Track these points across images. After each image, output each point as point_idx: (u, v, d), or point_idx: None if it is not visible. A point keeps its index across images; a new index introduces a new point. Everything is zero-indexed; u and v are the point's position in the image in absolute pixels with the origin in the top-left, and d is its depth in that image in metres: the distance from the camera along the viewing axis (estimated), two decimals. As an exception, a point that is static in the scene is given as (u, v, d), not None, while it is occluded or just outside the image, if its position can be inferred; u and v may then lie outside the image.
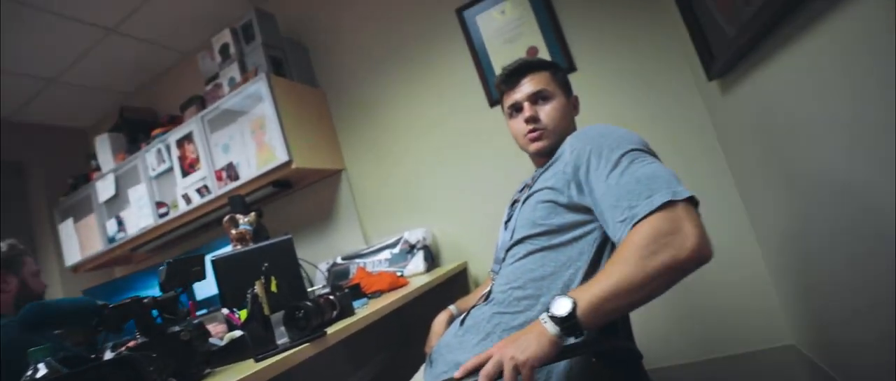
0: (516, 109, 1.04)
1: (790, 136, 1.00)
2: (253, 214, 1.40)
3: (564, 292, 0.83)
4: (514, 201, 1.08)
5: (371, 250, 2.03)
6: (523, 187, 1.10)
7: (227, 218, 1.37)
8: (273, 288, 1.11)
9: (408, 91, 2.07)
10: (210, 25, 2.39)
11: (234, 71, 2.06)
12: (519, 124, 1.03)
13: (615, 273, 0.68)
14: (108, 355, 0.93)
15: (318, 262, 2.14)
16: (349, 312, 1.17)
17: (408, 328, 1.96)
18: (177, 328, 0.85)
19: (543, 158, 1.03)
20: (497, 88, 1.10)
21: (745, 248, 1.52)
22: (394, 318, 1.70)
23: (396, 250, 1.96)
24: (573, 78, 1.72)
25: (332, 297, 1.14)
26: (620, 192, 0.75)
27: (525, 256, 0.90)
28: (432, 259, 1.92)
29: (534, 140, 1.00)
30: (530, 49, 1.83)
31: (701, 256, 0.66)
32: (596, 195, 0.80)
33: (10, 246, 1.41)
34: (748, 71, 1.10)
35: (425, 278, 1.62)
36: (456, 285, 1.82)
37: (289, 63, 2.12)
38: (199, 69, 2.23)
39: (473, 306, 0.98)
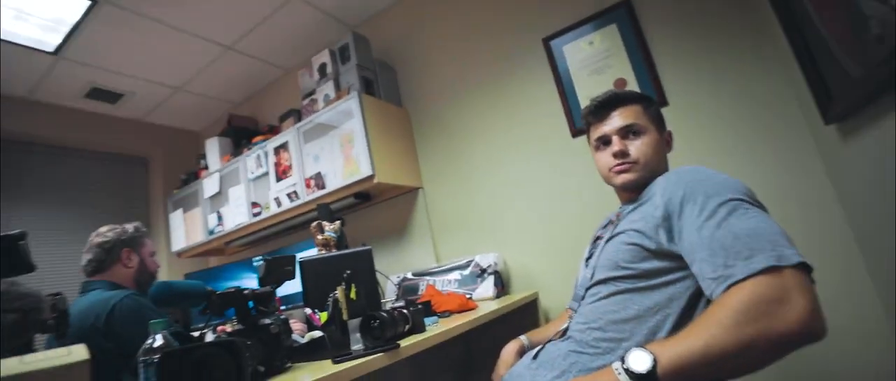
0: (604, 142, 1.01)
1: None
2: (338, 223, 1.48)
3: (649, 338, 0.79)
4: (597, 238, 1.05)
5: (441, 269, 2.05)
6: (607, 224, 1.06)
7: (314, 224, 1.46)
8: (352, 295, 1.16)
9: (489, 116, 2.10)
10: (312, 46, 2.62)
11: (329, 88, 2.23)
12: (605, 158, 1.00)
13: (705, 335, 0.62)
14: (210, 336, 1.03)
15: (389, 274, 2.21)
16: (420, 328, 1.19)
17: (473, 351, 1.94)
18: (268, 321, 0.92)
19: (630, 192, 0.99)
20: (584, 119, 1.08)
21: (870, 324, 1.32)
22: (459, 340, 1.70)
23: (466, 271, 1.96)
24: (664, 113, 1.67)
25: (405, 311, 1.17)
26: (715, 246, 0.69)
27: (607, 296, 0.87)
28: (502, 285, 1.90)
29: (620, 172, 0.96)
30: (618, 81, 1.79)
31: (810, 331, 0.59)
32: (686, 245, 0.74)
33: (135, 228, 1.61)
34: (878, 117, 0.99)
35: (494, 305, 1.61)
36: (525, 316, 1.78)
37: (378, 83, 2.25)
38: (299, 85, 2.44)
39: (548, 341, 0.96)
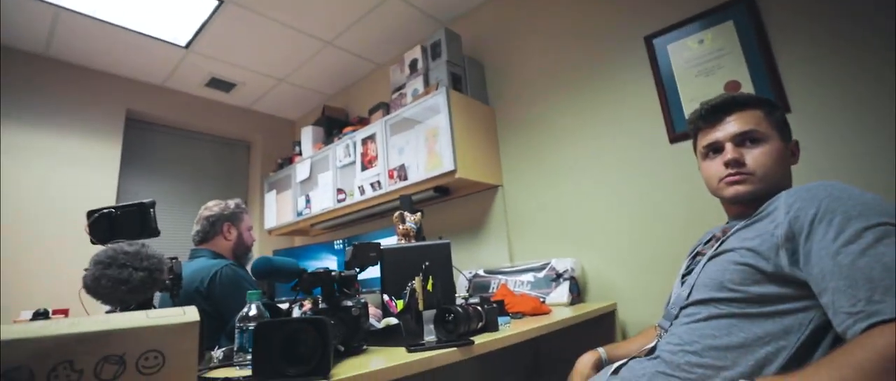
0: (715, 149, 0.90)
1: None
2: (419, 214, 1.51)
3: (756, 372, 0.70)
4: (697, 254, 0.95)
5: (514, 269, 2.02)
6: (710, 239, 0.96)
7: (397, 214, 1.50)
8: (429, 287, 1.17)
9: (578, 115, 2.02)
10: (405, 42, 2.70)
11: (418, 83, 2.28)
12: (715, 167, 0.89)
13: (836, 377, 0.53)
14: (296, 311, 1.10)
15: (462, 269, 2.21)
16: (493, 327, 1.17)
17: (542, 357, 1.89)
18: (350, 303, 0.96)
19: (741, 207, 0.88)
20: (691, 124, 0.98)
21: None
22: (529, 344, 1.66)
23: (541, 274, 1.91)
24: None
25: (480, 308, 1.16)
26: (857, 276, 0.59)
27: (707, 318, 0.78)
28: (578, 292, 1.82)
29: (732, 183, 0.85)
30: (730, 83, 1.62)
31: None
32: (816, 271, 0.64)
33: (236, 205, 1.77)
34: None
35: (568, 311, 1.54)
36: (601, 327, 1.69)
37: (466, 80, 2.26)
38: (390, 79, 2.52)
39: (633, 358, 0.89)
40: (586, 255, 1.91)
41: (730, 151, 0.86)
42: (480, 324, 1.15)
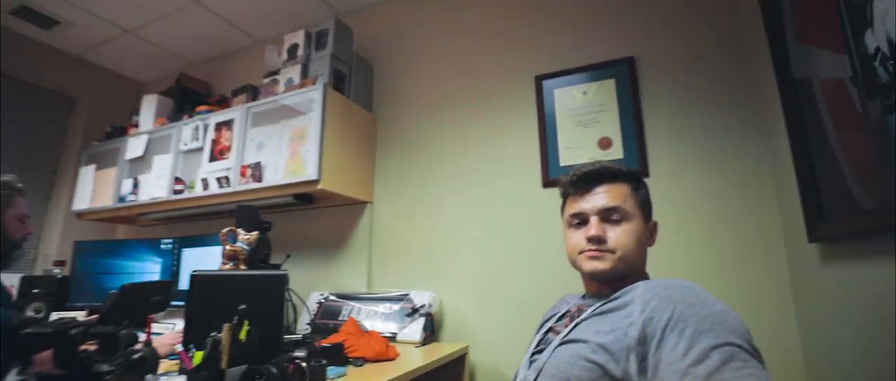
0: (581, 220, 0.86)
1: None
2: (255, 234, 1.25)
3: None
4: (548, 330, 0.88)
5: (371, 296, 1.85)
6: (563, 315, 0.90)
7: (225, 231, 1.23)
8: (242, 335, 0.94)
9: (461, 141, 1.94)
10: (289, 21, 2.39)
11: (294, 72, 2.00)
12: (578, 238, 0.85)
13: None
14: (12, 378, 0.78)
15: (313, 290, 1.98)
16: (319, 386, 0.98)
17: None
18: (105, 367, 0.69)
19: (598, 284, 0.84)
20: (561, 186, 0.92)
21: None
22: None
23: (396, 306, 1.77)
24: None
25: (303, 364, 0.96)
26: None
27: (547, 415, 0.69)
28: (432, 330, 1.71)
29: (591, 259, 0.82)
30: (603, 139, 1.67)
31: None
32: None
33: (4, 183, 1.32)
34: (873, 256, 0.89)
35: (418, 355, 1.41)
36: (448, 371, 1.60)
37: (351, 80, 2.04)
38: (264, 60, 2.19)
39: None
40: (447, 290, 1.82)
41: (594, 227, 0.82)
42: (301, 385, 0.94)
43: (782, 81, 1.18)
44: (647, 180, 1.52)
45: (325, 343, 1.30)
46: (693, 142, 1.55)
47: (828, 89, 0.95)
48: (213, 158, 1.97)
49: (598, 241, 0.81)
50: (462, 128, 1.95)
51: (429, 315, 1.71)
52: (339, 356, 1.23)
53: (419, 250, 1.92)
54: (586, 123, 1.70)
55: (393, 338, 1.66)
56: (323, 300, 1.93)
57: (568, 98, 1.76)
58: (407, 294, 1.80)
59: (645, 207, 0.86)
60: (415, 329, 1.66)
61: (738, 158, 1.48)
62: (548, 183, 1.73)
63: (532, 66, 1.85)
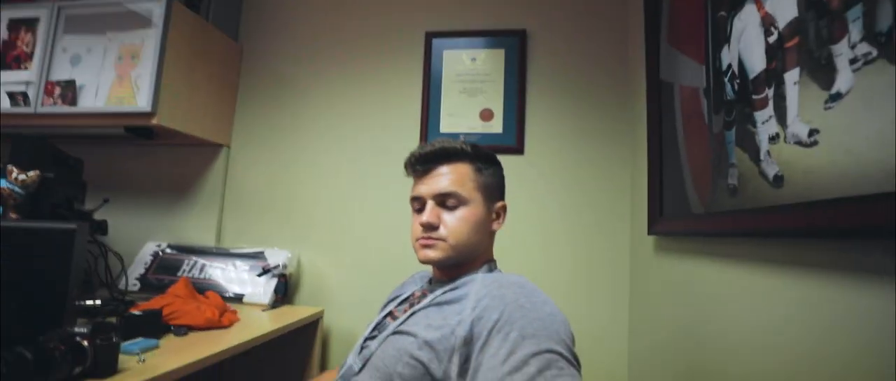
0: (420, 205, 0.81)
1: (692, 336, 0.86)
2: (35, 172, 0.97)
3: None
4: (388, 314, 0.82)
5: (219, 252, 1.65)
6: (408, 297, 0.84)
7: (-13, 166, 0.93)
8: (-11, 308, 0.72)
9: (338, 91, 1.75)
10: None
11: (134, -28, 1.59)
12: (415, 224, 0.80)
13: None
14: None
15: (149, 240, 1.70)
16: (107, 370, 0.80)
17: (219, 368, 1.58)
18: None
19: (438, 270, 0.82)
20: (407, 167, 0.85)
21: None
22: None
23: (247, 265, 1.60)
24: (516, 160, 1.56)
25: (83, 342, 0.77)
26: None
27: (366, 413, 0.63)
28: (285, 292, 1.58)
29: (423, 247, 0.78)
30: (485, 111, 1.63)
31: None
32: None
33: None
34: (685, 253, 0.97)
35: (262, 324, 1.28)
36: (301, 337, 1.50)
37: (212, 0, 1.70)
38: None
39: None
40: (307, 250, 1.69)
41: (427, 213, 0.78)
42: (79, 369, 0.76)
43: (651, 79, 1.22)
44: (522, 158, 1.58)
45: (140, 309, 1.10)
46: (568, 123, 1.58)
47: (685, 96, 0.99)
48: (5, 66, 1.52)
49: (429, 227, 0.77)
50: (342, 75, 1.76)
51: (283, 276, 1.57)
52: (154, 325, 1.05)
53: (279, 204, 1.74)
54: (471, 92, 1.64)
55: (239, 299, 1.51)
56: (160, 253, 1.67)
57: (456, 62, 1.67)
58: (261, 252, 1.64)
59: (489, 189, 0.82)
60: (265, 291, 1.52)
61: (605, 146, 1.55)
62: (426, 148, 1.65)
63: (424, 21, 1.72)
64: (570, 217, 1.54)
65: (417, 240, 0.79)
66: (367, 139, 1.70)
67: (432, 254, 0.77)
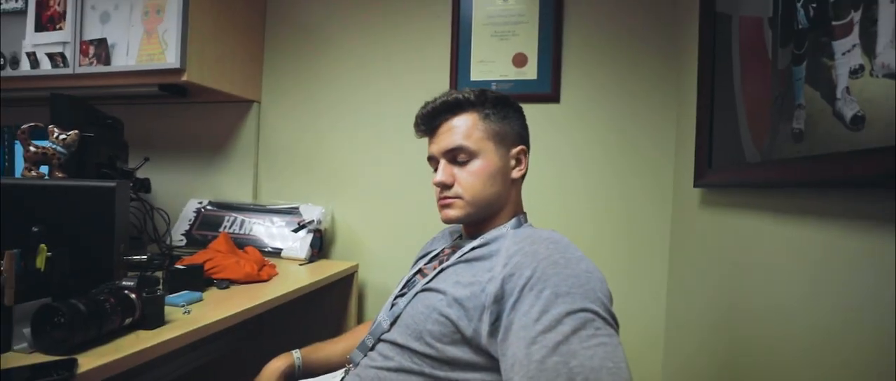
0: (435, 164, 0.78)
1: (735, 290, 0.81)
2: (74, 132, 0.99)
3: None
4: (418, 271, 0.81)
5: (257, 208, 1.69)
6: (437, 253, 0.83)
7: (26, 127, 0.96)
8: (39, 263, 0.76)
9: (367, 40, 1.70)
10: None
11: (154, -78, 1.55)
12: (434, 186, 0.78)
13: None
14: None
15: (191, 197, 1.77)
16: (154, 321, 0.84)
17: (260, 319, 1.66)
18: None
19: (465, 226, 0.81)
20: (416, 128, 0.83)
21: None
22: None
23: (284, 221, 1.64)
24: (551, 109, 1.49)
25: (132, 296, 0.81)
26: (541, 379, 0.50)
27: (396, 370, 0.64)
28: (320, 247, 1.62)
29: (442, 208, 0.76)
30: (517, 55, 1.54)
31: None
32: (510, 354, 0.55)
33: None
34: (739, 207, 0.90)
35: (300, 278, 1.32)
36: (337, 291, 1.54)
37: (232, -56, 1.64)
38: None
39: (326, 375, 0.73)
40: (341, 206, 1.71)
41: (440, 172, 0.76)
42: (129, 320, 0.80)
43: (705, 11, 1.10)
44: (558, 106, 1.50)
45: (183, 264, 1.14)
46: (608, 68, 1.48)
47: (745, 27, 0.88)
48: (41, 27, 1.54)
49: (443, 186, 0.75)
50: (369, 23, 1.69)
51: (318, 231, 1.60)
52: (197, 278, 1.09)
53: (312, 159, 1.75)
54: (503, 35, 1.54)
55: (277, 254, 1.56)
56: (202, 209, 1.73)
57: (487, 3, 1.56)
58: (296, 208, 1.67)
59: (501, 135, 0.77)
60: (302, 247, 1.56)
61: (649, 91, 1.44)
62: (456, 98, 1.59)
63: (453, -42, 1.60)
64: (609, 168, 1.47)
65: (438, 201, 0.77)
66: (396, 90, 1.66)
67: (452, 213, 0.75)
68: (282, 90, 1.78)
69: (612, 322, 0.55)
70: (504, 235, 0.70)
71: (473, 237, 0.76)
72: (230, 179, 1.79)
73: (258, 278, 1.23)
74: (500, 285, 0.59)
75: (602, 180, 1.47)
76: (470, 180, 0.73)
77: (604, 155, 1.47)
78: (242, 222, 1.65)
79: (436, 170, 0.78)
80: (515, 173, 0.78)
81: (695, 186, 1.14)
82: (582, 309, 0.53)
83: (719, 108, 1.01)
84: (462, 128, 0.74)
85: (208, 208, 1.72)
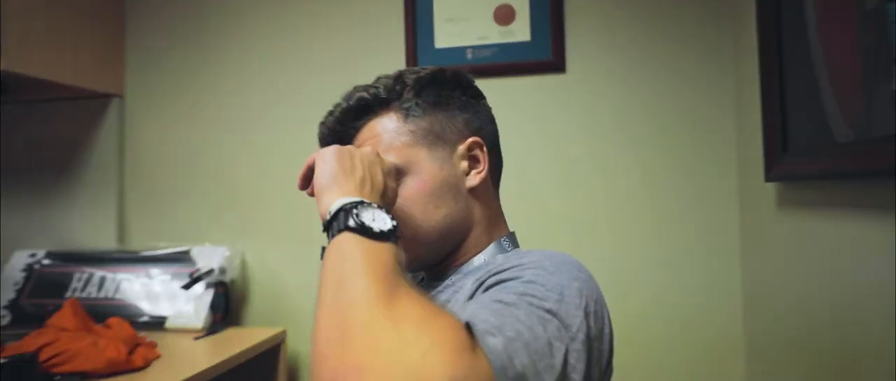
0: None
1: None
2: None
3: None
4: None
5: (124, 256, 1.70)
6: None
7: None
8: None
9: (287, 8, 1.73)
10: None
11: None
12: None
13: None
14: None
15: (17, 247, 1.74)
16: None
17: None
18: None
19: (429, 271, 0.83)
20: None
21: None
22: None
23: (169, 272, 1.63)
24: (553, 80, 1.55)
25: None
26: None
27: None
28: (226, 309, 1.60)
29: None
30: (501, 8, 1.58)
31: None
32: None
33: None
34: (843, 204, 0.92)
35: (201, 356, 1.29)
36: (256, 373, 1.51)
37: None
38: None
39: None
40: (253, 244, 1.71)
41: None
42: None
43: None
44: (562, 77, 1.54)
45: (7, 355, 1.10)
46: (632, 23, 1.53)
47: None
48: None
49: None
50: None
51: (222, 285, 1.60)
52: (30, 376, 1.05)
53: (209, 180, 1.75)
54: (478, -16, 1.59)
55: (160, 325, 1.55)
56: (36, 266, 1.72)
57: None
58: (187, 252, 1.68)
59: (433, 134, 0.76)
60: (197, 309, 1.56)
61: (691, 52, 1.50)
62: (412, 71, 1.63)
63: None
64: (635, 161, 1.52)
65: None
66: (329, 73, 1.69)
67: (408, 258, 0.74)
68: (157, 79, 1.79)
69: (558, 318, 0.53)
70: (478, 269, 0.71)
71: (441, 278, 0.77)
72: (79, 217, 1.77)
73: (129, 365, 1.19)
74: (471, 294, 0.60)
75: (627, 178, 1.51)
76: (406, 210, 0.72)
77: (627, 143, 1.52)
78: (102, 279, 1.64)
79: None
80: (472, 180, 0.76)
81: (767, 179, 1.17)
82: (549, 311, 0.52)
83: (790, 72, 1.04)
84: (379, 139, 0.75)
85: (45, 262, 1.70)
